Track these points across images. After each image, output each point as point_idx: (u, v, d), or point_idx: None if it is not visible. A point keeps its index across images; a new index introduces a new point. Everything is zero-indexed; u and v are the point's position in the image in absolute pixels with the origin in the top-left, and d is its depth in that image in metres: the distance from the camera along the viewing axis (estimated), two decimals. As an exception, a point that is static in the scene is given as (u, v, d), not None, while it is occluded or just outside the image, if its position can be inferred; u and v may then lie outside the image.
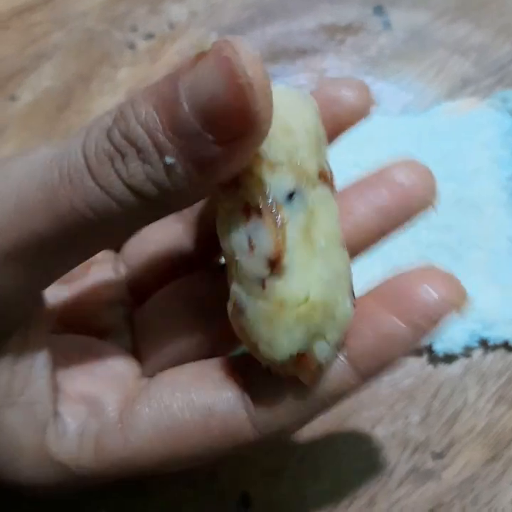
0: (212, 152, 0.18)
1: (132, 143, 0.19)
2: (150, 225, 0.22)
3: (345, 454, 0.35)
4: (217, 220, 0.22)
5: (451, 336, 0.36)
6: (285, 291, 0.21)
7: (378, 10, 0.48)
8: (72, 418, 0.24)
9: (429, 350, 0.37)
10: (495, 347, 0.37)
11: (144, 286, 0.29)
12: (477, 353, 0.37)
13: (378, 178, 0.27)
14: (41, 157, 0.20)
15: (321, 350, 0.22)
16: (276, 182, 0.21)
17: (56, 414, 0.24)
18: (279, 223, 0.21)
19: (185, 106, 0.18)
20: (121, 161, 0.19)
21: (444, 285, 0.23)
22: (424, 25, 0.47)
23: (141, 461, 0.23)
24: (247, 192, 0.21)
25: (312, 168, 0.22)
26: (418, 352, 0.37)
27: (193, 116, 0.18)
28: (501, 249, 0.38)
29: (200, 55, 0.18)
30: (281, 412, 0.23)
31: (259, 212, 0.21)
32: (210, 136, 0.18)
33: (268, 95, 0.18)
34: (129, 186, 0.19)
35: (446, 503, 0.34)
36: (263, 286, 0.21)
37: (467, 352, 0.37)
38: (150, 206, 0.20)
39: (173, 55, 0.46)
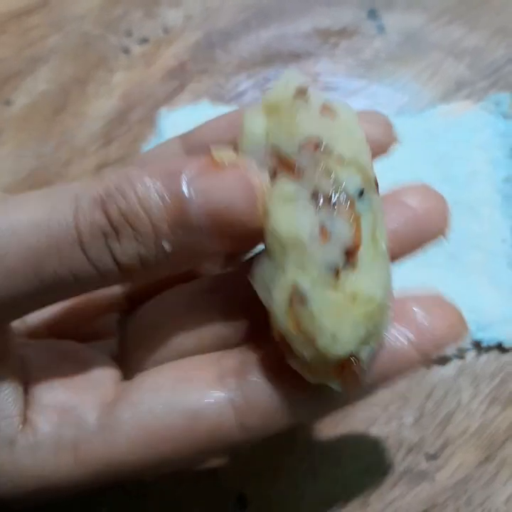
0: (207, 245, 0.21)
1: (131, 223, 0.20)
2: None
3: (341, 455, 0.35)
4: (270, 205, 0.21)
5: (444, 338, 0.36)
6: (360, 284, 0.21)
7: (372, 14, 0.48)
8: (47, 427, 0.23)
9: (423, 351, 0.37)
10: (488, 348, 0.37)
11: (139, 291, 0.29)
12: (471, 355, 0.37)
13: (389, 201, 0.26)
14: (27, 220, 0.20)
15: (365, 355, 0.21)
16: (347, 177, 0.21)
17: (28, 425, 0.23)
18: (355, 215, 0.21)
19: (196, 206, 0.20)
20: (115, 239, 0.20)
21: (453, 317, 0.24)
22: (419, 28, 0.47)
23: (124, 466, 0.23)
24: (317, 180, 0.21)
25: (372, 173, 0.23)
26: (412, 353, 0.37)
27: (203, 217, 0.20)
28: (496, 251, 0.39)
29: (214, 164, 0.20)
30: (272, 417, 0.23)
31: (329, 201, 0.21)
32: (210, 234, 0.20)
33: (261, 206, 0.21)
34: (117, 261, 0.20)
35: (439, 504, 0.34)
36: (337, 276, 0.20)
37: (461, 353, 0.37)
38: (129, 276, 0.21)
39: (168, 59, 0.47)
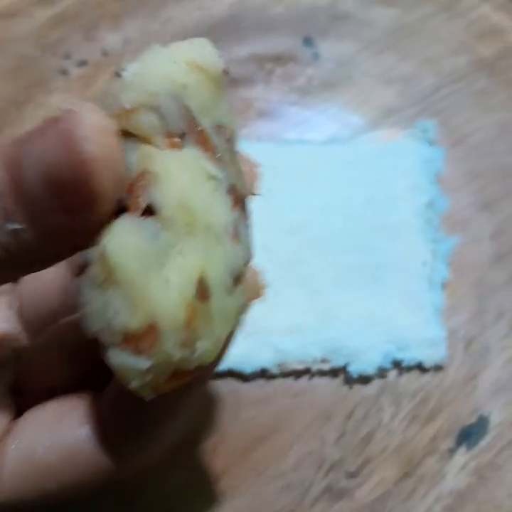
0: (59, 220, 0.18)
1: None
2: None
3: (262, 473, 0.36)
4: (174, 169, 0.19)
5: (365, 358, 0.37)
6: (241, 301, 0.20)
7: (308, 41, 0.49)
8: None
9: (344, 371, 0.38)
10: (409, 368, 0.39)
11: (37, 322, 0.29)
12: (392, 374, 0.38)
13: None
14: None
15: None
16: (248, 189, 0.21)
17: None
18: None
19: (30, 171, 0.17)
20: None
21: None
22: (352, 56, 0.49)
23: (15, 502, 0.23)
24: (234, 177, 0.20)
25: None
26: (334, 373, 0.38)
27: (37, 183, 0.17)
28: (416, 274, 0.40)
29: (49, 121, 0.18)
30: (137, 444, 0.23)
31: (242, 207, 0.20)
32: (55, 204, 0.18)
33: (114, 168, 0.18)
34: None
35: (358, 521, 0.35)
36: (236, 282, 0.19)
37: (382, 373, 0.38)
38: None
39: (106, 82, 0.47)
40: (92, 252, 0.18)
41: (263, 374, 0.38)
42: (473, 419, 0.37)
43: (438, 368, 0.38)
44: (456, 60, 0.48)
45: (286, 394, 0.38)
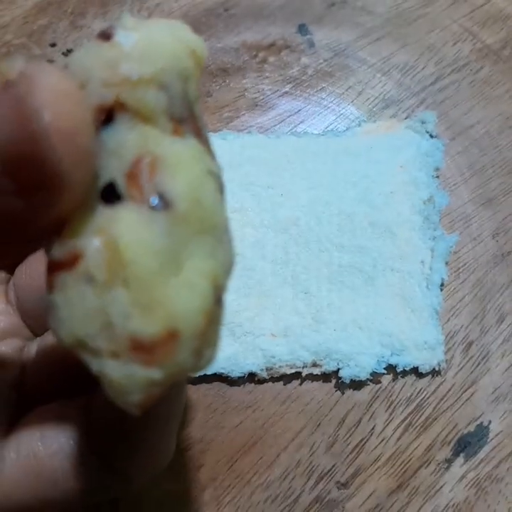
0: (13, 205, 0.15)
1: None
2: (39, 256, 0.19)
3: (249, 482, 0.34)
4: (179, 165, 0.17)
5: (358, 362, 0.35)
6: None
7: (302, 28, 0.47)
8: None
9: (336, 375, 0.36)
10: (405, 373, 0.37)
11: (36, 315, 0.27)
12: (386, 379, 0.37)
13: None
14: None
15: None
16: None
17: None
18: None
19: None
20: None
21: None
22: (348, 44, 0.47)
23: (9, 508, 0.22)
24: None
25: None
26: (325, 377, 0.36)
27: None
28: (414, 273, 0.38)
29: (1, 85, 0.15)
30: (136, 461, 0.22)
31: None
32: (8, 185, 0.15)
33: (81, 143, 0.15)
34: None
35: (349, 534, 0.33)
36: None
37: (375, 378, 0.36)
38: None
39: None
40: (84, 244, 0.16)
41: (251, 378, 0.36)
42: (471, 428, 0.35)
43: (435, 373, 0.37)
44: (458, 48, 0.46)
45: (275, 399, 0.36)
